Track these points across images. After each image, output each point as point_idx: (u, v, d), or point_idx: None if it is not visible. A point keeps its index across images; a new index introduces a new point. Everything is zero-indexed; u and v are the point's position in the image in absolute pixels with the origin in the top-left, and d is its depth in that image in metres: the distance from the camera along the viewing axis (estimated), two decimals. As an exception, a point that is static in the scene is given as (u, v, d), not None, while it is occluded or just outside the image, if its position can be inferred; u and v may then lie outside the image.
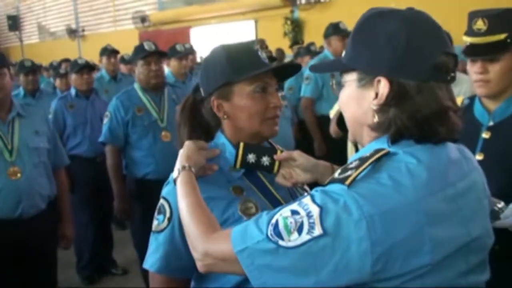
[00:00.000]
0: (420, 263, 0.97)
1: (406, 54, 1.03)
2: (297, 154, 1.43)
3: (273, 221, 1.03)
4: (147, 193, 3.48)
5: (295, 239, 0.99)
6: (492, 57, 1.77)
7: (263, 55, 1.46)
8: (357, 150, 2.96)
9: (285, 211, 1.03)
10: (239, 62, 1.41)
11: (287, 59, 8.12)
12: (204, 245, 1.16)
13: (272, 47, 8.21)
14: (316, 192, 1.02)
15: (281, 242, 1.00)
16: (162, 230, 1.39)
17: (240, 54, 1.44)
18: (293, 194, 1.52)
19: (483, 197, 1.14)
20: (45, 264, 2.93)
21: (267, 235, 1.02)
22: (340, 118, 2.78)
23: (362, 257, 0.95)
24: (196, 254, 1.19)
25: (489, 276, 1.12)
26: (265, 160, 1.42)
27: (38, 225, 2.78)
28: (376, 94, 1.06)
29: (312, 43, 6.32)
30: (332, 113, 3.14)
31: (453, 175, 1.06)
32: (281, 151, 1.44)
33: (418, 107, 1.03)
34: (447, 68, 1.06)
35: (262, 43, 8.26)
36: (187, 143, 1.42)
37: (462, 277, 1.04)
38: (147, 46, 3.57)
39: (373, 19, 1.10)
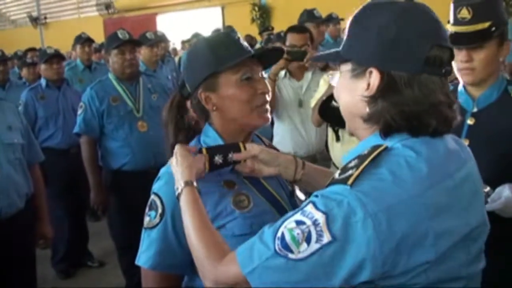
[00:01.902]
0: (425, 258, 0.98)
1: (397, 47, 1.04)
2: (256, 150, 1.42)
3: (279, 234, 1.01)
4: (124, 184, 3.48)
5: (304, 250, 0.97)
6: (477, 45, 1.80)
7: (244, 43, 1.46)
8: (337, 137, 3.00)
9: (289, 222, 1.01)
10: (222, 52, 1.41)
11: (257, 46, 8.09)
12: (213, 273, 1.13)
13: (240, 34, 8.13)
14: (317, 197, 1.01)
15: (290, 256, 0.98)
16: (154, 227, 1.37)
17: (222, 44, 1.43)
18: (283, 184, 1.52)
19: (479, 186, 1.16)
20: (24, 262, 2.84)
21: (275, 250, 1.00)
22: (322, 107, 2.79)
23: (373, 258, 0.95)
24: (207, 283, 1.16)
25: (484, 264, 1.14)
26: (232, 156, 1.40)
27: (17, 224, 2.68)
28: (368, 85, 1.07)
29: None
30: (313, 102, 3.15)
31: (451, 166, 1.07)
32: (245, 148, 1.42)
33: (406, 100, 1.04)
34: (441, 62, 1.06)
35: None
36: (181, 152, 1.37)
37: (463, 267, 1.05)
38: (121, 35, 3.51)
39: (368, 10, 1.10)
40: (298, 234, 0.98)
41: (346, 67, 1.13)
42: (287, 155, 1.46)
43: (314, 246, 0.96)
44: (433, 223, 0.98)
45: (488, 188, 1.69)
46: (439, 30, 1.08)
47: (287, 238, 0.99)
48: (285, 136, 3.49)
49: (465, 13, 1.81)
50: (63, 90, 4.42)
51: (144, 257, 1.39)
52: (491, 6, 1.81)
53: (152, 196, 1.41)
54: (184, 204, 1.27)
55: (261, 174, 1.43)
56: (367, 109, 1.08)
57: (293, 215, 1.03)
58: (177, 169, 1.33)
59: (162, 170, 1.43)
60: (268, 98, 1.46)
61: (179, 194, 1.30)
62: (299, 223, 0.99)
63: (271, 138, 3.77)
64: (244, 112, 1.42)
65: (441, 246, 0.99)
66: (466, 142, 1.84)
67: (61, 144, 4.29)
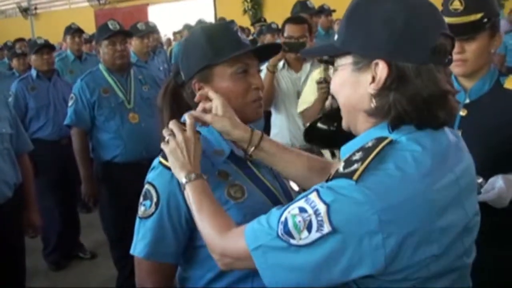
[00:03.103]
0: (429, 253, 0.98)
1: (405, 36, 1.01)
2: (220, 111, 1.35)
3: (282, 219, 1.02)
4: (115, 176, 3.48)
5: (305, 238, 0.98)
6: (469, 37, 1.80)
7: (242, 36, 1.45)
8: (333, 154, 2.94)
9: (293, 208, 1.01)
10: (219, 44, 1.40)
11: (249, 38, 8.07)
12: (221, 245, 1.17)
13: (233, 25, 8.12)
14: (322, 188, 1.00)
15: (292, 241, 0.99)
16: (149, 216, 1.37)
17: (219, 35, 1.42)
18: (277, 175, 1.52)
19: (474, 177, 1.17)
20: (14, 253, 2.85)
21: (277, 234, 1.01)
22: (307, 131, 2.73)
23: (375, 252, 0.95)
24: (214, 255, 1.20)
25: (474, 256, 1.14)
26: None
27: (6, 213, 2.69)
28: (373, 78, 1.03)
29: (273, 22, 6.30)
30: (301, 106, 3.13)
31: (452, 159, 1.07)
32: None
33: (417, 90, 1.01)
34: (445, 51, 1.04)
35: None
36: (187, 137, 1.33)
37: (459, 259, 1.05)
38: (112, 25, 3.48)
39: (368, 1, 1.07)
40: (299, 221, 0.99)
41: (346, 60, 1.09)
42: (245, 130, 1.38)
43: (315, 235, 0.97)
44: (439, 219, 0.98)
45: (481, 179, 1.69)
46: (442, 19, 1.07)
47: (290, 224, 1.00)
48: (282, 127, 3.48)
49: (457, 5, 1.81)
50: (54, 81, 4.40)
51: (139, 247, 1.39)
52: (482, -2, 1.82)
53: (147, 186, 1.40)
54: (193, 194, 1.27)
55: (213, 120, 1.37)
56: (374, 103, 1.05)
57: (298, 200, 1.02)
58: (182, 157, 1.31)
59: (156, 160, 1.43)
60: (262, 93, 1.45)
61: (184, 184, 1.29)
62: (301, 210, 0.99)
63: (263, 129, 3.76)
64: (236, 106, 1.40)
65: (445, 240, 1.00)
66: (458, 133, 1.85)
67: (52, 136, 4.27)
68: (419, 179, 0.98)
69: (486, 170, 1.68)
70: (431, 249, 0.98)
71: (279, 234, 1.01)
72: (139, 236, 1.39)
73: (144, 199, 1.40)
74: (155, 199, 1.37)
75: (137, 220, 1.41)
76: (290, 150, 1.46)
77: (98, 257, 4.50)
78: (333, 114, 2.61)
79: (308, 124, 2.74)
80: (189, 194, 1.28)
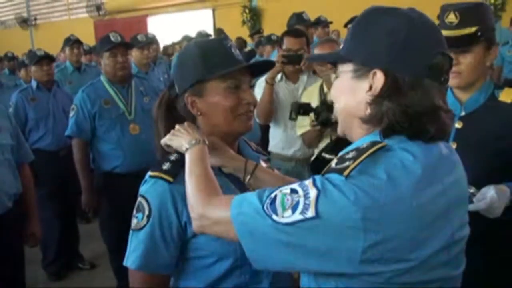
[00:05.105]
0: (408, 260, 1.00)
1: (404, 50, 1.05)
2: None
3: (272, 195, 1.07)
4: (115, 187, 3.48)
5: (288, 216, 1.02)
6: (464, 49, 1.83)
7: (236, 51, 1.47)
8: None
9: (286, 188, 1.06)
10: (212, 59, 1.43)
11: (248, 49, 8.11)
12: (204, 205, 1.21)
13: (231, 36, 8.17)
14: (317, 177, 1.04)
15: (274, 217, 1.04)
16: (141, 228, 1.41)
17: (213, 51, 1.45)
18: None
19: (465, 190, 1.19)
20: (13, 263, 2.85)
21: (263, 207, 1.06)
22: (313, 164, 2.74)
23: (353, 245, 0.97)
24: (193, 214, 1.24)
25: (464, 266, 1.16)
26: None
27: (6, 224, 2.70)
28: (370, 87, 1.08)
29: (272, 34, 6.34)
30: (299, 130, 3.16)
31: (442, 171, 1.09)
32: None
33: (411, 102, 1.05)
34: (442, 69, 1.08)
35: (221, 33, 8.21)
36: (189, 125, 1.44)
37: (442, 270, 1.07)
38: (113, 37, 3.51)
39: (376, 14, 1.12)
40: (287, 200, 1.03)
41: (347, 67, 1.14)
42: (239, 161, 1.46)
43: (298, 216, 1.01)
44: (423, 227, 1.01)
45: (473, 189, 1.71)
46: (443, 39, 1.11)
47: (277, 200, 1.05)
48: (282, 138, 3.49)
49: (452, 18, 1.84)
50: (54, 92, 4.42)
51: (131, 258, 1.42)
52: (478, 12, 1.85)
53: (139, 199, 1.43)
54: (190, 158, 1.33)
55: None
56: (368, 110, 1.09)
57: (294, 183, 1.07)
58: (187, 131, 1.40)
59: (148, 174, 1.45)
60: (253, 108, 1.48)
61: (188, 148, 1.35)
62: (293, 191, 1.05)
63: (261, 141, 3.78)
64: (226, 120, 1.44)
65: (426, 250, 1.02)
66: (453, 145, 1.87)
67: (51, 146, 4.29)
68: (407, 187, 1.00)
69: (480, 181, 1.70)
70: (411, 256, 1.00)
71: (264, 207, 1.06)
72: (131, 248, 1.43)
73: (137, 211, 1.43)
74: (146, 212, 1.40)
75: (130, 232, 1.44)
76: (285, 180, 1.48)
77: (97, 267, 4.50)
78: (333, 145, 2.66)
79: (314, 156, 2.81)
80: (187, 159, 1.34)
